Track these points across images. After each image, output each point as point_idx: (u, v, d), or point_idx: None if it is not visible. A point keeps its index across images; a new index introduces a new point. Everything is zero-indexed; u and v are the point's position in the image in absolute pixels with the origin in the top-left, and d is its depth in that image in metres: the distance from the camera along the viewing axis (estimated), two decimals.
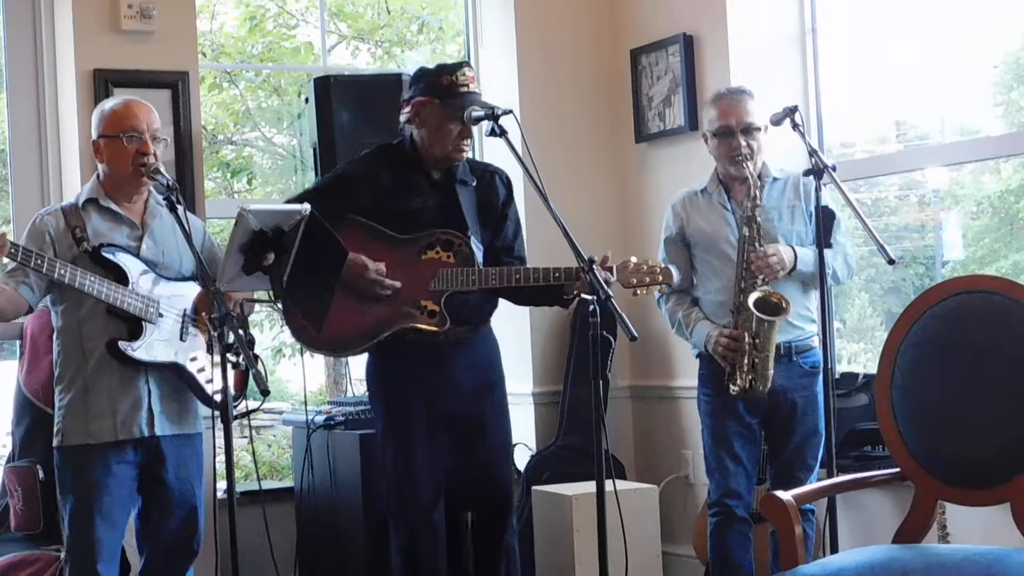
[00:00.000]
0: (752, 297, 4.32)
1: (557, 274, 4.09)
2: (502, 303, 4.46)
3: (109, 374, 3.91)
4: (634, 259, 4.11)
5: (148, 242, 4.01)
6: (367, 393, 4.50)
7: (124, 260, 3.92)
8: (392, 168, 4.28)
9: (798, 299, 4.46)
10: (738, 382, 4.39)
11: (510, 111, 4.05)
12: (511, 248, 4.40)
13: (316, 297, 4.09)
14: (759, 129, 4.49)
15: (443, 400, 4.26)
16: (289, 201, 4.19)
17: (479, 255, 4.24)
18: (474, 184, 4.33)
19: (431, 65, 4.31)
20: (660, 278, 4.08)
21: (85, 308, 3.90)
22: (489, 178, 4.39)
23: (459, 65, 4.23)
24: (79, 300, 3.89)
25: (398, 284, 4.16)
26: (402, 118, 4.29)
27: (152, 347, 3.92)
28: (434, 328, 4.16)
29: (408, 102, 4.26)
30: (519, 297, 4.44)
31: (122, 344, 3.87)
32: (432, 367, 4.23)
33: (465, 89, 4.17)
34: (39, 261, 3.72)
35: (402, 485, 4.25)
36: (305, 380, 5.18)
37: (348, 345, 4.28)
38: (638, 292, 4.09)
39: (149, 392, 3.95)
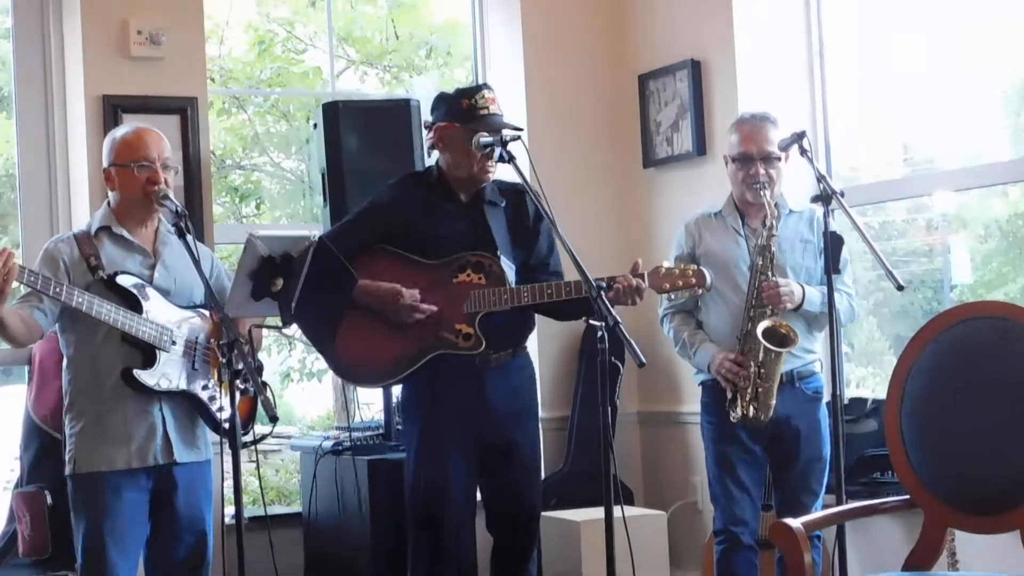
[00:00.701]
0: (761, 326, 4.31)
1: (587, 287, 4.10)
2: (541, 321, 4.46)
3: (123, 402, 3.90)
4: (666, 263, 4.17)
5: (160, 270, 4.01)
6: (400, 419, 4.52)
7: (138, 288, 3.92)
8: (420, 195, 4.29)
9: (801, 333, 4.45)
10: (738, 410, 4.38)
11: (518, 137, 4.06)
12: (547, 264, 4.38)
13: (324, 323, 4.09)
14: (779, 158, 4.47)
15: (478, 424, 4.24)
16: (324, 237, 4.20)
17: (511, 274, 4.24)
18: (503, 204, 4.34)
19: (451, 90, 4.33)
20: (693, 280, 4.11)
21: (99, 336, 3.89)
22: (518, 198, 4.37)
23: (478, 88, 4.25)
24: (93, 328, 3.88)
25: (434, 308, 4.16)
26: (426, 144, 4.34)
27: (166, 375, 3.92)
28: (471, 351, 4.16)
29: (431, 128, 4.29)
30: (556, 312, 4.44)
31: (137, 373, 3.87)
32: (469, 391, 4.22)
33: (485, 112, 4.18)
34: (57, 289, 3.72)
35: (434, 495, 4.22)
36: (310, 404, 5.17)
37: (391, 374, 4.27)
38: (673, 296, 4.20)
39: (163, 420, 3.95)
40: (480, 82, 4.35)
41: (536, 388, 4.45)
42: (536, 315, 4.44)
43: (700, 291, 4.19)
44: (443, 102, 4.27)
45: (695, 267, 4.16)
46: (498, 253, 4.22)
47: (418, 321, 4.17)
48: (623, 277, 4.08)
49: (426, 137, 4.32)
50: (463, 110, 4.19)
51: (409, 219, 4.25)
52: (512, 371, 4.32)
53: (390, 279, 4.18)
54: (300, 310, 3.85)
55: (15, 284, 3.63)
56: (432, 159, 4.38)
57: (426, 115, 4.39)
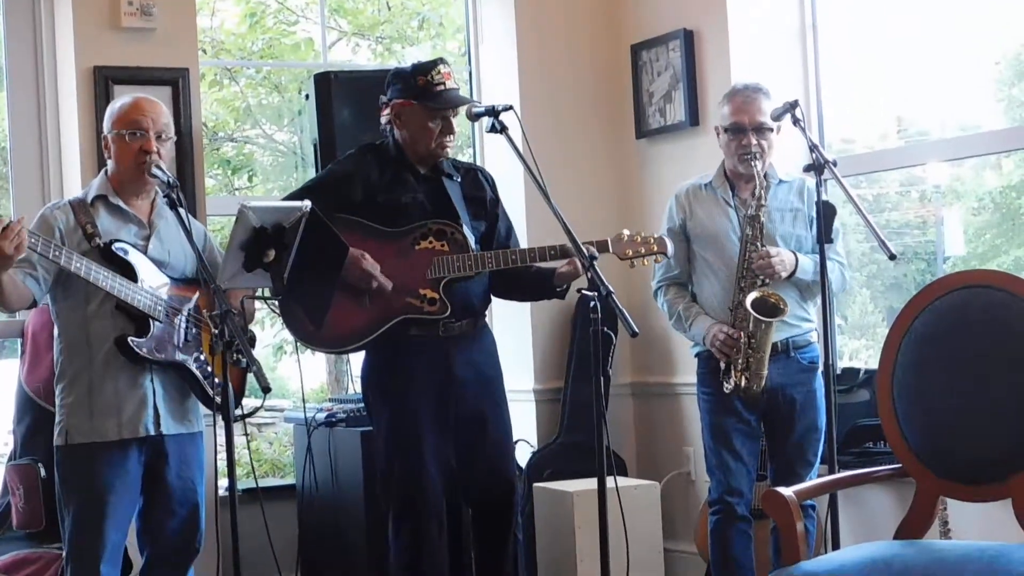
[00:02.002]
0: (750, 297, 4.32)
1: (553, 252, 4.16)
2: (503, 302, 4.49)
3: (115, 372, 3.90)
4: (627, 231, 4.23)
5: (155, 242, 4.01)
6: (362, 392, 4.48)
7: (133, 257, 3.92)
8: (379, 165, 4.30)
9: (795, 301, 4.46)
10: (732, 380, 4.39)
11: (510, 107, 4.07)
12: (506, 247, 4.41)
13: (317, 294, 4.09)
14: (771, 129, 4.47)
15: (447, 396, 4.26)
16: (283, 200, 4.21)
17: (472, 242, 4.26)
18: (459, 180, 4.37)
19: (406, 65, 4.33)
20: (655, 248, 4.19)
21: (92, 305, 3.89)
22: (473, 175, 4.45)
23: (433, 64, 4.26)
24: (86, 296, 3.88)
25: (389, 284, 4.17)
26: (382, 119, 4.33)
27: (159, 345, 3.92)
28: (436, 315, 4.17)
29: (387, 104, 4.30)
30: (514, 290, 4.49)
31: (132, 340, 3.86)
32: (435, 363, 4.24)
33: (441, 87, 4.21)
34: (57, 252, 3.72)
35: (411, 483, 4.22)
36: (302, 377, 5.16)
37: (350, 340, 4.27)
38: (634, 264, 4.23)
39: (154, 391, 3.95)
40: (437, 56, 4.34)
41: (498, 354, 4.46)
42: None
43: (661, 258, 4.29)
44: (399, 79, 4.28)
45: (657, 235, 4.25)
46: (460, 222, 4.24)
47: (380, 289, 4.16)
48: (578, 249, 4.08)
49: (383, 114, 4.32)
50: (419, 87, 4.22)
51: (369, 188, 4.26)
52: (475, 342, 4.34)
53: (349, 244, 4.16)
54: (293, 282, 3.85)
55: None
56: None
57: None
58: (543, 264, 4.26)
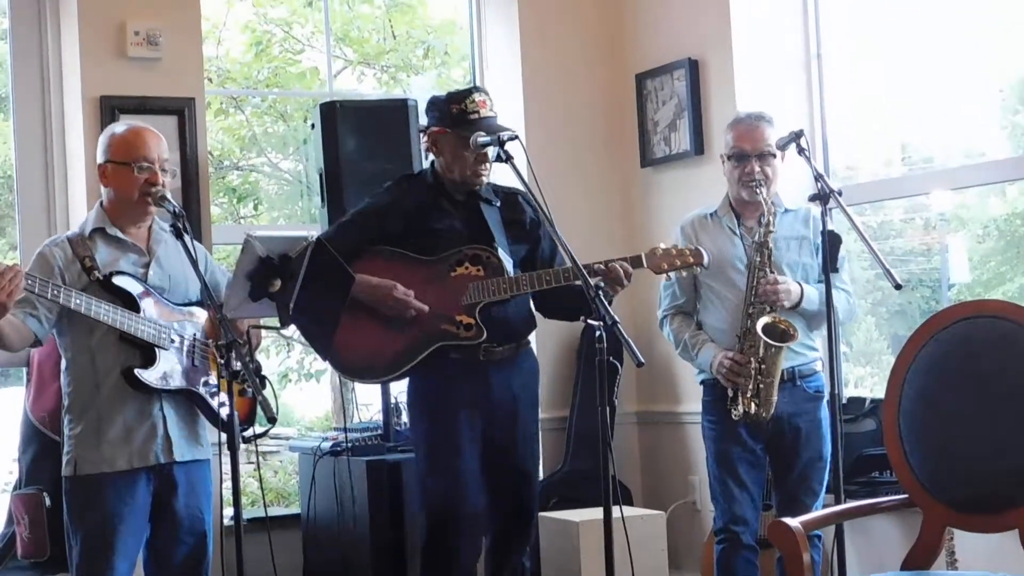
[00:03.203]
0: (760, 322, 4.31)
1: (588, 271, 4.12)
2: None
3: (123, 402, 3.88)
4: (662, 245, 4.22)
5: (155, 268, 4.00)
6: (408, 418, 4.55)
7: (134, 287, 3.91)
8: (416, 193, 4.33)
9: (800, 330, 4.45)
10: (740, 407, 4.38)
11: (516, 136, 4.07)
12: (550, 266, 4.39)
13: (322, 323, 4.09)
14: (774, 156, 4.48)
15: (484, 422, 4.28)
16: (323, 236, 4.26)
17: (509, 265, 4.27)
18: (498, 204, 4.37)
19: (443, 93, 4.35)
20: (691, 259, 4.17)
21: (96, 337, 3.88)
22: (513, 199, 4.43)
23: (468, 92, 4.27)
24: (90, 329, 3.87)
25: (425, 308, 4.20)
26: (422, 147, 4.42)
27: (166, 373, 3.91)
28: (472, 341, 4.19)
29: (424, 132, 4.35)
30: (554, 310, 4.49)
31: (139, 372, 3.86)
32: (476, 387, 4.26)
33: (476, 116, 4.21)
34: (55, 292, 3.70)
35: (443, 503, 4.24)
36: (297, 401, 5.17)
37: (390, 369, 4.30)
38: (670, 277, 4.29)
39: (164, 419, 3.94)
40: (473, 84, 4.37)
41: (537, 384, 4.48)
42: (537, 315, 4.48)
43: (699, 269, 4.26)
44: (434, 107, 4.31)
45: (692, 246, 4.23)
46: (495, 245, 4.25)
47: (416, 317, 4.19)
48: (615, 262, 4.11)
49: (422, 141, 4.37)
50: (454, 115, 4.23)
51: (406, 218, 4.28)
52: (516, 367, 4.36)
53: (385, 275, 4.21)
54: (298, 311, 3.85)
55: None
56: (428, 162, 4.42)
57: (423, 118, 4.43)
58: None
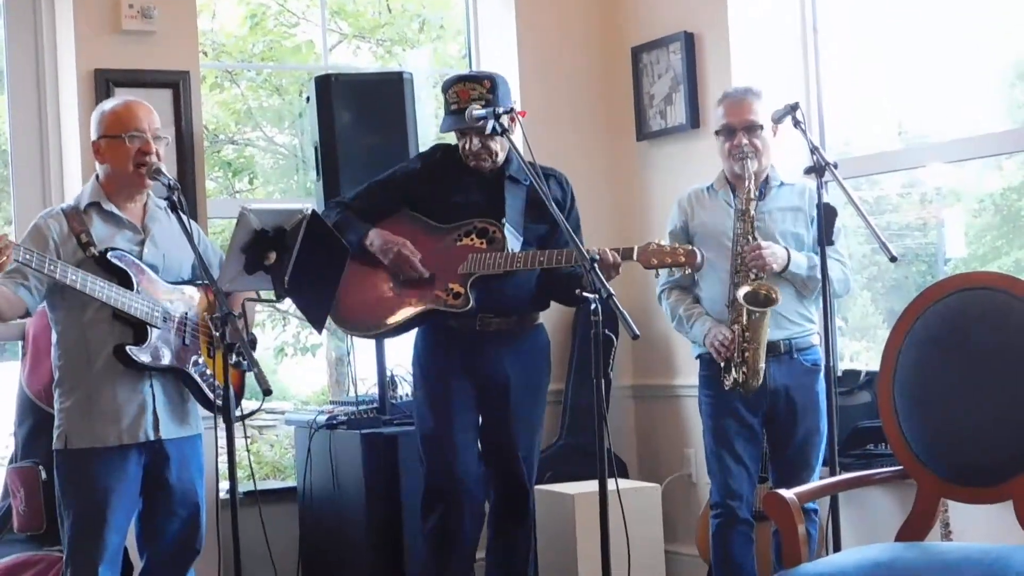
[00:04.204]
0: (741, 291, 4.33)
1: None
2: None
3: (114, 379, 3.89)
4: (659, 241, 4.24)
5: (150, 246, 3.99)
6: (412, 377, 4.68)
7: (129, 264, 3.91)
8: (446, 165, 4.46)
9: (794, 302, 4.47)
10: (731, 376, 4.39)
11: (511, 109, 4.10)
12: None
13: (318, 296, 4.10)
14: (761, 127, 4.50)
15: (475, 387, 4.40)
16: (353, 194, 4.54)
17: (515, 243, 4.32)
18: (528, 183, 4.38)
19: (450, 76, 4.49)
20: (683, 259, 4.17)
21: (89, 313, 3.88)
22: (546, 179, 4.43)
23: (452, 81, 4.40)
24: (82, 305, 3.87)
25: (425, 272, 4.32)
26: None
27: (157, 351, 3.91)
28: (458, 309, 4.28)
29: None
30: (551, 293, 4.52)
31: (130, 349, 3.86)
32: (471, 355, 4.38)
33: (456, 107, 4.32)
34: (52, 267, 3.70)
35: (439, 464, 4.36)
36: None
37: (379, 326, 4.44)
38: (658, 273, 4.36)
39: (154, 396, 3.94)
40: (469, 71, 4.46)
41: (546, 364, 4.54)
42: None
43: (689, 270, 4.25)
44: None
45: (688, 247, 4.21)
46: (503, 221, 4.32)
47: (416, 279, 4.32)
48: (604, 251, 4.13)
49: None
50: (447, 104, 4.38)
51: (432, 186, 4.43)
52: (516, 344, 4.43)
53: (401, 236, 4.37)
54: (295, 280, 3.86)
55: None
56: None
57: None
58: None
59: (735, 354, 4.36)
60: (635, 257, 4.16)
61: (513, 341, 4.43)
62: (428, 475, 4.41)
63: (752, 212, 4.40)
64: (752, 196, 4.41)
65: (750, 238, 4.39)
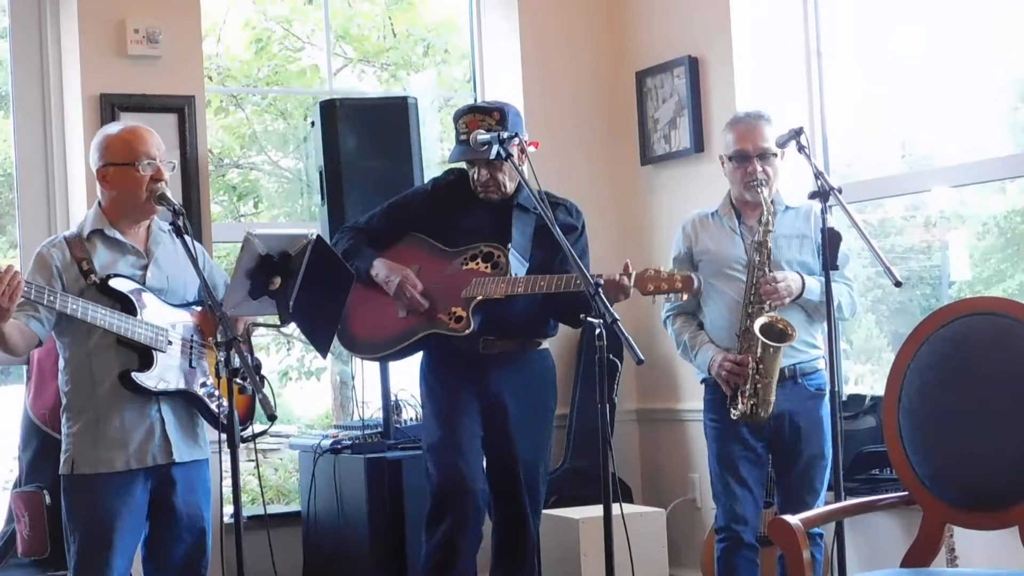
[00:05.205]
0: (758, 323, 4.31)
1: (580, 281, 4.13)
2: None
3: (121, 404, 3.88)
4: (657, 267, 4.23)
5: (154, 269, 3.98)
6: (419, 396, 4.68)
7: (131, 290, 3.90)
8: (456, 189, 4.51)
9: (803, 326, 4.45)
10: (739, 407, 4.38)
11: (516, 135, 4.10)
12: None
13: (322, 321, 4.10)
14: (775, 155, 4.48)
15: (480, 407, 4.42)
16: (366, 218, 4.58)
17: (519, 269, 4.35)
18: (536, 212, 4.38)
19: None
20: (679, 285, 4.16)
21: (94, 339, 3.87)
22: (552, 208, 4.42)
23: (462, 112, 4.44)
24: (87, 332, 3.86)
25: (424, 304, 4.36)
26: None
27: (163, 376, 3.90)
28: (459, 332, 4.30)
29: None
30: (557, 315, 4.53)
31: (135, 375, 3.85)
32: (474, 377, 4.41)
33: (464, 137, 4.36)
34: (52, 298, 3.70)
35: (444, 480, 4.35)
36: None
37: (383, 348, 4.50)
38: (655, 299, 4.28)
39: (162, 420, 3.93)
40: (475, 101, 4.49)
41: (549, 387, 4.55)
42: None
43: (686, 296, 4.25)
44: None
45: (685, 273, 4.20)
46: (508, 246, 4.34)
47: (419, 303, 4.36)
48: (610, 274, 4.15)
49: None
50: (457, 134, 4.43)
51: (442, 210, 4.48)
52: (519, 366, 4.44)
53: (409, 260, 4.43)
54: (299, 305, 3.87)
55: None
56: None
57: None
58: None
59: (747, 386, 4.34)
60: (632, 283, 4.16)
61: (515, 364, 4.45)
62: (436, 486, 4.38)
63: (769, 244, 4.39)
64: (770, 228, 4.39)
65: (766, 270, 4.38)
